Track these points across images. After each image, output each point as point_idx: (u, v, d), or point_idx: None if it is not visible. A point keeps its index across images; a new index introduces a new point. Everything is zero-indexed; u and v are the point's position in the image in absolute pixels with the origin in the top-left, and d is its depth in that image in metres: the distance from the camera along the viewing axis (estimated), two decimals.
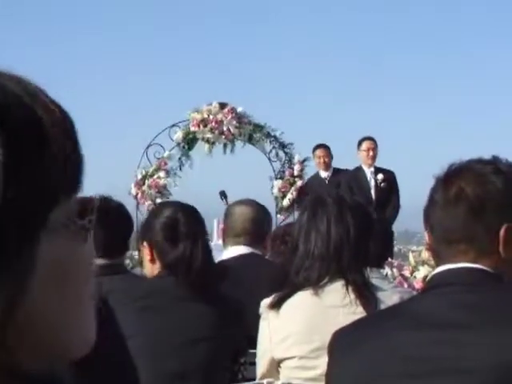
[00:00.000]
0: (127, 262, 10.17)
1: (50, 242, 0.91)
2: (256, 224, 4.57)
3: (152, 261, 3.64)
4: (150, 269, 3.66)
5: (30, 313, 0.89)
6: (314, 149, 12.20)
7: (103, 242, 4.01)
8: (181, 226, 3.59)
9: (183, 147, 12.85)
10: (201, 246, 3.61)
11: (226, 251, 4.53)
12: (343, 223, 3.36)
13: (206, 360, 3.43)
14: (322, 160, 11.85)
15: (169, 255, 3.56)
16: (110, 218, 4.08)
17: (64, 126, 0.96)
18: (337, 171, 11.98)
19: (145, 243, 3.72)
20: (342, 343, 2.37)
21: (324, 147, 12.09)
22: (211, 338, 3.48)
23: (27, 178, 0.90)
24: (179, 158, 12.96)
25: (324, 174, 11.85)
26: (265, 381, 3.28)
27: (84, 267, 0.97)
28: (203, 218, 3.84)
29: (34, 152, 0.91)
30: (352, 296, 3.27)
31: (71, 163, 0.95)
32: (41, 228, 0.90)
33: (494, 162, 2.37)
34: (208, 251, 3.73)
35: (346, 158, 12.94)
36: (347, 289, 3.28)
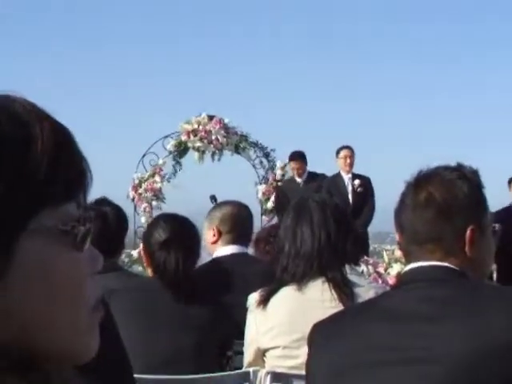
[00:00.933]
0: (126, 260, 10.19)
1: (32, 243, 0.89)
2: (241, 224, 4.56)
3: (148, 265, 3.73)
4: (149, 272, 3.75)
5: (8, 308, 0.88)
6: (290, 159, 12.10)
7: (100, 242, 4.02)
8: (172, 240, 3.61)
9: (175, 156, 12.92)
10: (187, 252, 3.65)
11: (217, 250, 4.49)
12: (325, 225, 3.38)
13: (195, 350, 3.40)
14: (296, 172, 11.77)
15: (160, 264, 3.59)
16: (107, 220, 4.10)
17: (57, 140, 0.94)
18: (312, 176, 11.89)
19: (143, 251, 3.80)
20: (321, 334, 2.36)
21: (298, 158, 11.94)
22: (200, 329, 3.45)
23: (5, 184, 0.89)
24: (173, 166, 13.04)
25: (299, 180, 11.77)
26: (251, 369, 3.28)
27: (76, 273, 0.94)
28: (197, 229, 3.87)
29: (15, 161, 0.90)
30: (331, 292, 3.28)
31: (64, 173, 0.94)
32: (19, 230, 0.89)
33: (459, 168, 2.38)
34: (197, 255, 3.76)
35: (324, 159, 13.00)
36: (328, 285, 3.29)
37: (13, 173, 0.89)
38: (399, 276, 2.48)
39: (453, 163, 2.40)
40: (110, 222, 4.11)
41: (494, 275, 9.42)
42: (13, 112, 0.93)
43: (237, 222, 4.52)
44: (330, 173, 11.75)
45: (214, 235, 4.52)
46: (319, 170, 12.09)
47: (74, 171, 0.95)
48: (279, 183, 12.84)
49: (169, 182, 13.17)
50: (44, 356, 0.91)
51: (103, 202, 4.26)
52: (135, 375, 2.41)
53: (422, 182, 2.32)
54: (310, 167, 12.00)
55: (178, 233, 3.66)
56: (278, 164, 12.90)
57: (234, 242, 4.44)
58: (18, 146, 0.91)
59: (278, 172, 12.91)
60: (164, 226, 3.69)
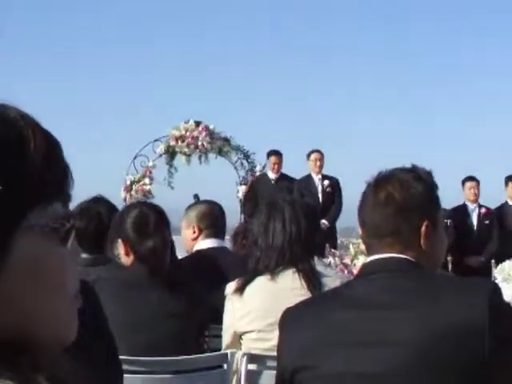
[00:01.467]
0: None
1: (27, 240, 0.89)
2: (217, 220, 4.56)
3: (127, 254, 3.57)
4: (126, 261, 3.60)
5: (4, 301, 0.87)
6: (269, 154, 12.09)
7: (96, 237, 4.02)
8: (150, 222, 3.53)
9: (168, 161, 12.83)
10: (166, 240, 3.57)
11: (197, 244, 4.47)
12: (296, 221, 3.40)
13: (175, 334, 3.42)
14: (274, 166, 11.74)
15: (140, 248, 3.49)
16: (102, 216, 4.07)
17: (48, 143, 0.94)
18: (284, 176, 11.88)
19: (119, 240, 3.62)
20: (290, 319, 2.37)
21: (277, 154, 11.99)
22: (179, 316, 3.45)
23: (3, 183, 0.88)
24: (168, 170, 12.95)
25: (272, 176, 11.73)
26: (229, 351, 3.27)
27: (62, 266, 0.93)
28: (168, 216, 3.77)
29: (13, 161, 0.90)
30: (301, 281, 3.30)
31: (54, 173, 0.93)
32: (15, 228, 0.88)
33: (415, 169, 2.39)
34: (172, 245, 3.70)
35: (297, 161, 12.91)
36: (298, 275, 3.32)
37: (10, 173, 0.89)
38: (361, 267, 2.50)
39: (409, 164, 2.42)
40: (104, 219, 4.09)
41: (450, 266, 9.46)
42: (6, 116, 0.92)
43: (212, 218, 4.52)
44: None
45: (195, 232, 4.51)
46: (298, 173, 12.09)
47: (61, 172, 0.95)
48: None
49: (169, 184, 13.04)
50: (31, 341, 0.90)
51: (99, 200, 4.24)
52: (120, 357, 2.45)
53: (382, 182, 2.34)
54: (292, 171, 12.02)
55: (157, 220, 3.61)
56: (258, 167, 12.85)
57: (211, 236, 4.43)
58: (14, 147, 0.90)
59: (258, 174, 12.82)
60: (139, 213, 3.62)
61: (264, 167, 12.53)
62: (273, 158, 11.86)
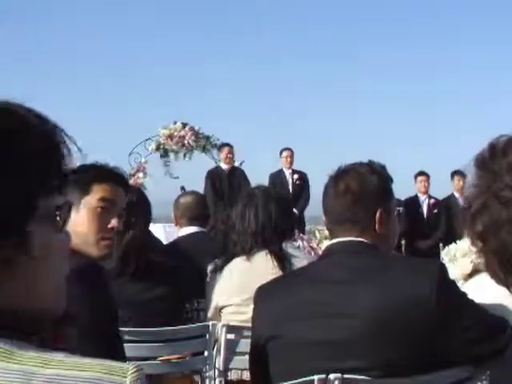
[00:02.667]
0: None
1: (40, 229, 0.88)
2: (200, 209, 4.50)
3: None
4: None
5: (21, 282, 0.88)
6: (222, 146, 11.94)
7: None
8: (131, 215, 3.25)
9: (163, 154, 12.77)
10: (146, 230, 3.44)
11: (180, 230, 4.43)
12: (267, 209, 3.39)
13: (164, 311, 3.34)
14: (226, 157, 11.50)
15: (122, 239, 3.23)
16: None
17: (51, 143, 0.93)
18: (235, 168, 11.64)
19: None
20: (264, 295, 2.36)
21: (229, 146, 11.77)
22: (165, 297, 3.35)
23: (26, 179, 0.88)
24: (164, 163, 12.87)
25: (225, 167, 11.51)
26: (210, 323, 3.26)
27: (63, 249, 0.94)
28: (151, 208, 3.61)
29: (19, 161, 0.89)
30: (273, 261, 3.30)
31: (57, 170, 0.92)
32: (30, 217, 0.88)
33: (370, 164, 2.38)
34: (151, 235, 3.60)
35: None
36: (270, 256, 3.30)
37: (34, 169, 0.89)
38: (324, 249, 2.48)
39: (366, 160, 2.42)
40: None
41: (403, 249, 9.56)
42: (26, 118, 0.92)
43: (195, 208, 4.46)
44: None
45: (178, 219, 4.47)
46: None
47: (64, 168, 0.94)
48: None
49: (170, 175, 12.90)
50: (37, 314, 0.90)
51: None
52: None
53: (341, 175, 2.33)
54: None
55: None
56: (236, 162, 12.80)
57: (193, 224, 4.37)
58: (41, 148, 0.91)
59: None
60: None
61: (241, 164, 12.43)
62: (226, 150, 11.66)
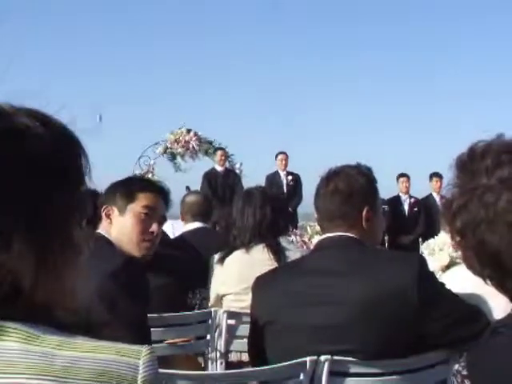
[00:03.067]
0: None
1: (73, 222, 0.89)
2: (203, 206, 4.51)
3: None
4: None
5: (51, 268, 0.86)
6: (215, 150, 12.00)
7: None
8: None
9: (171, 157, 12.69)
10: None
11: (185, 226, 4.44)
12: (264, 208, 3.41)
13: (169, 298, 3.35)
14: (220, 159, 11.54)
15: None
16: None
17: (72, 145, 0.92)
18: (229, 170, 11.77)
19: None
20: (261, 285, 2.38)
21: (222, 150, 11.88)
22: (169, 285, 3.39)
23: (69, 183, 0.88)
24: (173, 165, 12.74)
25: (219, 169, 11.53)
26: (212, 309, 3.26)
27: (85, 244, 0.92)
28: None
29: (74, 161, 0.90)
30: (269, 254, 3.31)
31: (77, 169, 0.92)
32: (73, 212, 0.88)
33: (358, 166, 2.39)
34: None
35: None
36: (267, 249, 3.33)
37: (75, 174, 0.90)
38: (316, 243, 2.51)
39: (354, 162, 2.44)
40: None
41: (386, 244, 9.54)
42: (57, 123, 0.90)
43: (199, 206, 4.45)
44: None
45: (184, 216, 4.48)
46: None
47: (83, 167, 0.93)
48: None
49: (180, 170, 12.77)
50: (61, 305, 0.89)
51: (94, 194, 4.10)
52: None
53: (331, 176, 2.34)
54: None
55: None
56: (237, 165, 12.71)
57: (197, 220, 4.37)
58: (66, 150, 0.90)
59: (238, 171, 12.68)
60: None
61: (241, 165, 12.40)
62: (219, 153, 11.67)
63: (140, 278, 2.33)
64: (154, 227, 2.57)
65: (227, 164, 11.71)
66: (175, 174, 12.70)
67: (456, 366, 2.25)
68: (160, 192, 2.65)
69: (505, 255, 1.13)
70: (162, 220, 2.65)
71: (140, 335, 2.05)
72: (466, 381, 1.67)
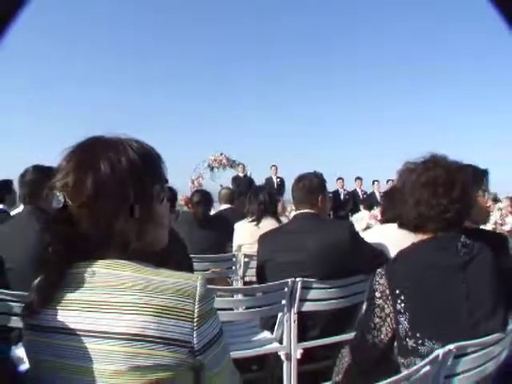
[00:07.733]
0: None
1: (157, 204, 0.84)
2: (230, 196, 4.34)
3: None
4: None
5: (147, 235, 0.83)
6: (238, 164, 11.68)
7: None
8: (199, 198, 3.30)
9: (211, 171, 12.58)
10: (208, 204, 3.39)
11: (220, 207, 4.29)
12: (265, 196, 3.26)
13: (216, 244, 3.23)
14: (241, 169, 11.17)
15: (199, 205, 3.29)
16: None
17: (159, 157, 0.86)
18: (246, 176, 11.07)
19: None
20: (264, 238, 2.30)
21: (241, 164, 11.41)
22: (215, 237, 3.26)
23: (159, 181, 0.84)
24: (211, 176, 12.58)
25: (241, 174, 10.97)
26: (235, 252, 3.18)
27: (164, 215, 0.87)
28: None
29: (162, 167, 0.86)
30: (273, 220, 3.20)
31: (161, 172, 0.86)
32: (156, 200, 0.83)
33: (315, 172, 2.30)
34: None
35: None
36: (274, 218, 3.19)
37: (160, 174, 0.85)
38: (293, 216, 2.43)
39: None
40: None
41: (331, 216, 9.48)
42: (148, 146, 0.85)
43: (227, 195, 4.28)
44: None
45: (220, 201, 4.37)
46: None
47: (163, 171, 0.88)
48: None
49: (214, 180, 12.38)
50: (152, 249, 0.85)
51: (170, 189, 3.63)
52: None
53: (300, 178, 2.27)
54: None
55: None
56: (249, 172, 12.51)
57: (227, 203, 4.22)
58: (156, 161, 0.85)
59: (249, 176, 12.51)
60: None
61: (251, 173, 12.18)
62: (240, 166, 11.03)
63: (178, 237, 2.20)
64: None
65: (244, 172, 11.58)
66: (211, 181, 12.46)
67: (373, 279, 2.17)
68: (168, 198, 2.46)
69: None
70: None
71: (190, 269, 1.97)
72: (383, 278, 1.60)
